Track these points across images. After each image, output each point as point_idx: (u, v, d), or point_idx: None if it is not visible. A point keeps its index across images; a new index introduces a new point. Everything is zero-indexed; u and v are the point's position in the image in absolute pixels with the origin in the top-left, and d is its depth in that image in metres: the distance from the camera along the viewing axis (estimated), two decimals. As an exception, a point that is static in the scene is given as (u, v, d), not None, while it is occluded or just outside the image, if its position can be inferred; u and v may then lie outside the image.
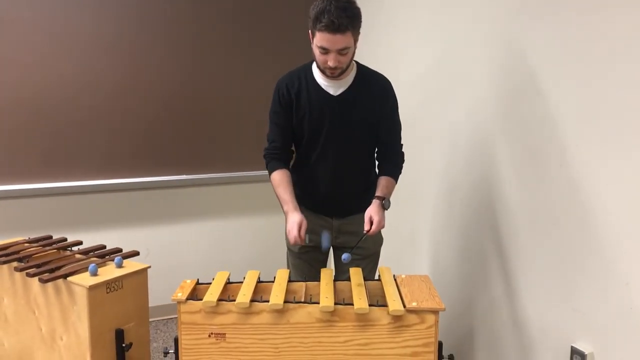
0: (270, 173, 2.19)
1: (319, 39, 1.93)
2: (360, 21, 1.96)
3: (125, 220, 3.39)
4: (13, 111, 3.03)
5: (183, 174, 3.46)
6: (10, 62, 3.00)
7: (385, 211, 2.10)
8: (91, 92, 3.17)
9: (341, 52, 1.94)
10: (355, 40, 1.98)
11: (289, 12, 3.53)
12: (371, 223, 2.02)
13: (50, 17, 3.04)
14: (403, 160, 2.27)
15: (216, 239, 3.63)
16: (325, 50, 1.94)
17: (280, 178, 2.16)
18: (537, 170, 2.06)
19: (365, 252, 2.24)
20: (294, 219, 2.03)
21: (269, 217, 3.61)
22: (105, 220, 3.32)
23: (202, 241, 3.61)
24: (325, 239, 2.11)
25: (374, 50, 3.23)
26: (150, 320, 2.47)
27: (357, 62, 2.15)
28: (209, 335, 1.83)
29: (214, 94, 3.45)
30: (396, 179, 2.21)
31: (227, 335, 1.82)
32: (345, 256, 1.97)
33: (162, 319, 3.50)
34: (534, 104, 2.06)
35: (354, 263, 2.21)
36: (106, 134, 3.24)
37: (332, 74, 2.02)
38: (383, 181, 2.16)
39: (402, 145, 2.27)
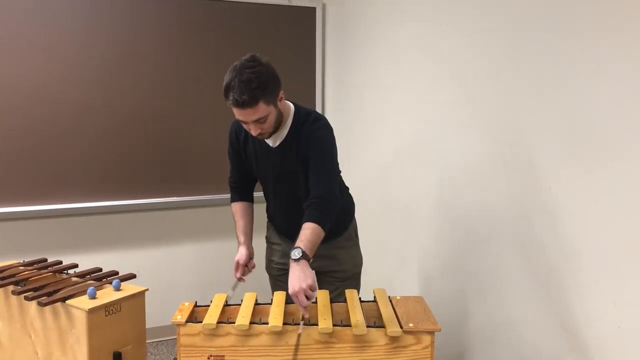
0: (231, 203, 2.33)
1: (234, 111, 1.92)
2: (272, 86, 1.90)
3: (117, 242, 3.40)
4: (2, 133, 3.04)
5: (174, 196, 3.48)
6: (1, 86, 3.02)
7: (308, 261, 1.85)
8: (82, 114, 3.19)
9: (259, 121, 1.91)
10: (274, 103, 1.93)
11: (289, 35, 3.60)
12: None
13: (38, 41, 3.07)
14: (330, 205, 2.00)
15: (207, 261, 3.64)
16: (243, 121, 1.94)
17: (235, 210, 2.30)
18: (527, 192, 2.13)
19: (345, 275, 2.30)
20: (240, 255, 2.17)
21: (260, 238, 3.63)
22: (97, 243, 3.33)
23: (192, 263, 3.62)
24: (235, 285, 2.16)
25: (365, 80, 3.31)
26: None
27: (296, 107, 2.11)
28: (208, 358, 1.84)
29: (208, 117, 3.48)
30: (321, 224, 1.93)
31: (226, 357, 1.84)
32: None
33: (153, 342, 3.49)
34: (524, 127, 2.13)
35: (333, 285, 2.27)
36: (97, 157, 3.25)
37: (260, 137, 2.02)
38: (302, 231, 1.92)
39: (331, 194, 2.02)
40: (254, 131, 1.96)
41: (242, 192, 2.31)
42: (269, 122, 1.95)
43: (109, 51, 3.22)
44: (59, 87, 3.13)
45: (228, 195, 3.51)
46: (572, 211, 1.92)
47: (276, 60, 3.52)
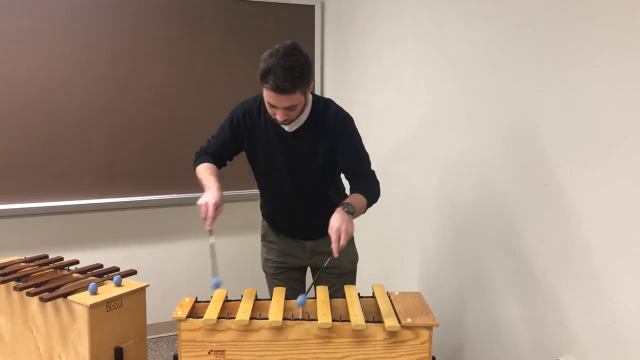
0: (197, 165, 2.18)
1: (266, 95, 1.93)
2: (309, 77, 1.94)
3: (117, 239, 3.41)
4: (4, 130, 3.05)
5: (175, 193, 3.49)
6: (6, 85, 3.02)
7: (353, 217, 1.93)
8: (84, 112, 3.20)
9: (289, 108, 1.94)
10: (306, 93, 1.97)
11: (288, 33, 3.59)
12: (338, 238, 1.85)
13: (40, 34, 3.08)
14: (376, 187, 2.14)
15: (207, 257, 3.63)
16: (272, 105, 1.95)
17: (207, 166, 2.15)
18: (523, 189, 2.15)
19: (341, 271, 2.31)
20: (213, 195, 1.97)
21: (255, 235, 3.65)
22: (98, 239, 3.34)
23: (193, 259, 3.64)
24: (300, 300, 1.92)
25: (364, 72, 3.33)
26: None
27: (314, 96, 2.15)
28: (209, 353, 1.87)
29: (208, 114, 3.49)
30: (368, 198, 2.06)
31: (226, 352, 1.86)
32: (299, 300, 1.89)
33: (153, 338, 3.51)
34: (521, 123, 2.15)
35: (330, 282, 2.28)
36: (99, 154, 3.26)
37: (282, 124, 2.03)
38: (350, 196, 2.05)
39: (372, 172, 2.17)
40: (280, 117, 1.96)
41: (214, 160, 2.22)
42: (296, 110, 1.98)
43: (111, 51, 3.23)
44: (62, 85, 3.14)
45: (229, 193, 3.53)
46: (569, 207, 1.94)
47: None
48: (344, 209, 1.91)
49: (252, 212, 3.59)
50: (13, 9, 3.01)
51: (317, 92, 3.76)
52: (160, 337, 3.54)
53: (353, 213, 1.93)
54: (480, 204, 2.39)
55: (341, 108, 2.17)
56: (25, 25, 3.04)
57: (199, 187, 3.48)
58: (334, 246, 1.83)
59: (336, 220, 1.87)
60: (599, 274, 1.83)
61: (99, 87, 3.22)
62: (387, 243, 3.14)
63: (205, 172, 2.14)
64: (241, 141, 2.21)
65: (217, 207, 1.97)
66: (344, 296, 2.07)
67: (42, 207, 3.17)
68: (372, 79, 3.24)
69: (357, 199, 2.02)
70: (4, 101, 3.03)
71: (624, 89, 1.72)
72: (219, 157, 2.27)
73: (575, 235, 1.92)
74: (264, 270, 2.43)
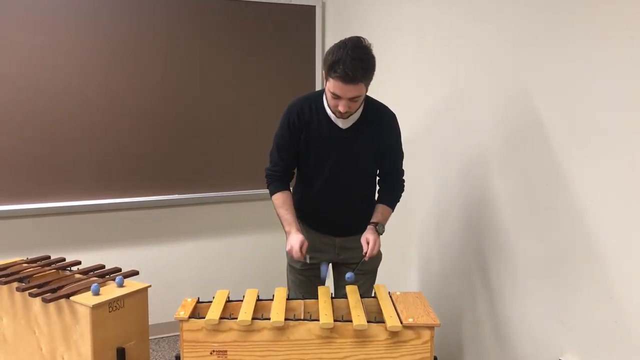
0: (272, 194, 2.26)
1: (332, 86, 1.98)
2: (372, 71, 2.00)
3: (119, 239, 3.41)
4: (6, 130, 3.05)
5: (176, 194, 3.50)
6: (2, 81, 3.02)
7: (380, 236, 2.18)
8: (86, 112, 3.20)
9: (352, 99, 1.99)
10: (367, 87, 2.04)
11: (289, 33, 3.62)
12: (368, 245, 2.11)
13: (42, 33, 3.08)
14: (403, 189, 2.34)
15: (209, 258, 3.66)
16: (336, 96, 1.99)
17: (283, 200, 2.22)
18: (524, 188, 2.15)
19: (367, 268, 2.32)
20: (297, 239, 2.11)
21: (262, 235, 3.66)
22: (100, 240, 3.34)
23: (194, 260, 3.64)
24: (323, 269, 2.21)
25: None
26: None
27: (365, 95, 2.17)
28: (211, 353, 1.87)
29: (209, 114, 3.50)
30: (393, 207, 2.30)
31: (228, 353, 1.87)
32: (348, 275, 2.11)
33: (154, 338, 3.50)
34: (523, 125, 2.15)
35: (355, 279, 2.28)
36: (100, 154, 3.26)
37: (342, 116, 2.08)
38: (380, 209, 2.25)
39: (403, 172, 2.34)
40: (343, 108, 2.00)
41: (286, 182, 2.29)
42: (358, 103, 2.04)
43: (112, 51, 3.23)
44: (63, 86, 3.13)
45: (231, 193, 3.60)
46: (569, 207, 1.94)
47: (276, 58, 3.61)
48: (375, 227, 2.18)
49: (257, 212, 3.61)
50: (14, 9, 3.01)
51: (318, 92, 3.76)
52: (163, 337, 3.54)
53: (381, 234, 2.19)
54: (481, 203, 2.39)
55: (391, 110, 2.27)
56: (25, 24, 3.04)
57: (201, 188, 3.53)
58: (368, 253, 2.10)
59: (371, 234, 2.14)
60: (600, 273, 1.84)
61: (100, 88, 3.22)
62: (388, 242, 3.14)
63: (281, 208, 2.22)
64: (300, 140, 2.21)
65: (302, 245, 2.12)
66: (346, 297, 2.07)
67: (44, 208, 3.17)
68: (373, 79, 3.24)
69: (387, 214, 2.27)
70: (5, 102, 3.03)
71: (625, 87, 1.72)
72: (288, 170, 2.30)
73: (576, 235, 1.92)
74: (290, 266, 2.39)
